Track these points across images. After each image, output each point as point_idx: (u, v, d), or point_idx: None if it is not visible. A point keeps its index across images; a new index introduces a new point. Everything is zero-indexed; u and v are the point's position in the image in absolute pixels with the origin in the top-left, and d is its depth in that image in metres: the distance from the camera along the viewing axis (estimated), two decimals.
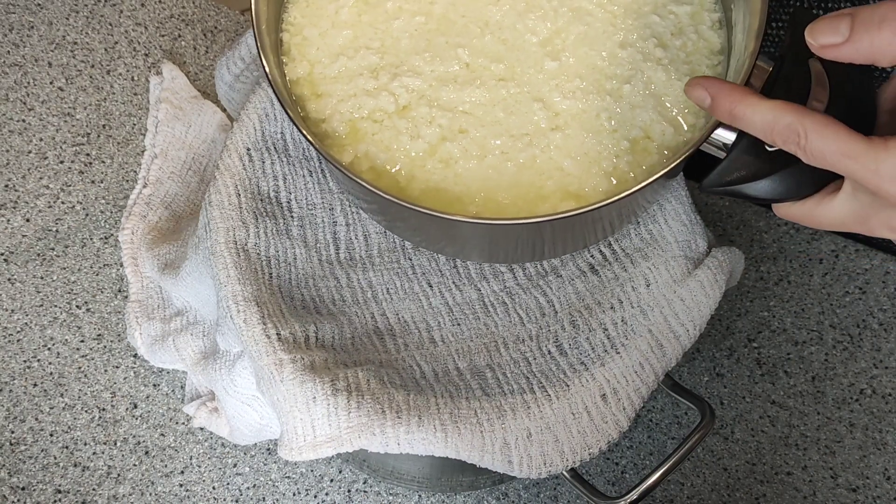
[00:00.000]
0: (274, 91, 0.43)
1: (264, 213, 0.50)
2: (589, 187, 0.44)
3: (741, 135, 0.41)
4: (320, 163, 0.53)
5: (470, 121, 0.46)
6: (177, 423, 0.61)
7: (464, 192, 0.44)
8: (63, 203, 0.67)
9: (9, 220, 0.66)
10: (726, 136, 0.41)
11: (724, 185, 0.42)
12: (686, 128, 0.45)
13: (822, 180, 0.40)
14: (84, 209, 0.67)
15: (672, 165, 0.41)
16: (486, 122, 0.46)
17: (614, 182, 0.44)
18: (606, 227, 0.48)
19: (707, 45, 0.47)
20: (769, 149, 0.40)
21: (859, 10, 0.36)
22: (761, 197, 0.42)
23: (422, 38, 0.48)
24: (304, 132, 0.42)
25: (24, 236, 0.66)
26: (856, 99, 0.40)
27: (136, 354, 0.62)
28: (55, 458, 0.59)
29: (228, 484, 0.59)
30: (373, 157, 0.45)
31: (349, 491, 0.59)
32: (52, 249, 0.66)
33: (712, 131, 0.41)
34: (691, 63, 0.46)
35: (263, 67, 0.44)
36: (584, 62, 0.46)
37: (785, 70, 0.41)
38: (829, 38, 0.36)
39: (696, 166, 0.59)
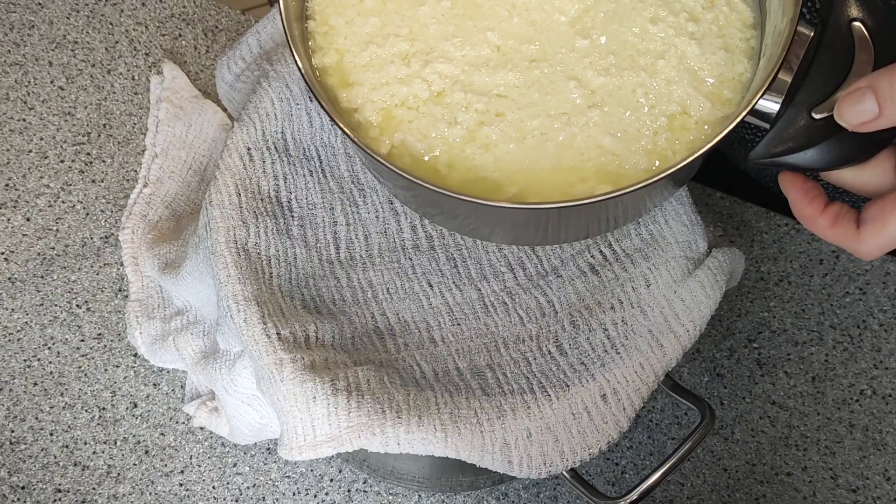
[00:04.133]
0: (308, 84, 0.43)
1: (265, 213, 0.50)
2: (629, 165, 0.44)
3: (785, 104, 0.40)
4: (321, 163, 0.53)
5: (506, 104, 0.45)
6: (177, 422, 0.61)
7: (504, 177, 0.44)
8: (63, 202, 0.67)
9: (9, 220, 0.66)
10: (769, 106, 0.41)
11: (771, 156, 0.41)
12: (724, 102, 0.45)
13: (873, 148, 0.40)
14: (84, 208, 0.67)
15: (718, 138, 0.40)
16: (523, 105, 0.45)
17: (654, 159, 0.44)
18: (647, 204, 0.48)
19: (739, 18, 0.47)
20: (816, 117, 0.40)
21: (877, 81, 0.37)
22: (809, 167, 0.41)
23: (449, 23, 0.47)
24: (341, 125, 0.42)
25: (24, 235, 0.66)
26: None
27: (136, 354, 0.62)
28: (55, 457, 0.59)
29: (228, 483, 0.59)
30: (410, 145, 0.45)
31: (349, 491, 0.59)
32: (53, 248, 0.66)
33: (754, 103, 0.40)
34: (725, 37, 0.46)
35: (295, 60, 0.43)
36: (616, 39, 0.46)
37: (827, 36, 0.40)
38: (860, 118, 0.38)
39: (699, 166, 0.58)
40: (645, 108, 0.45)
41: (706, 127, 0.44)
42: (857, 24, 0.40)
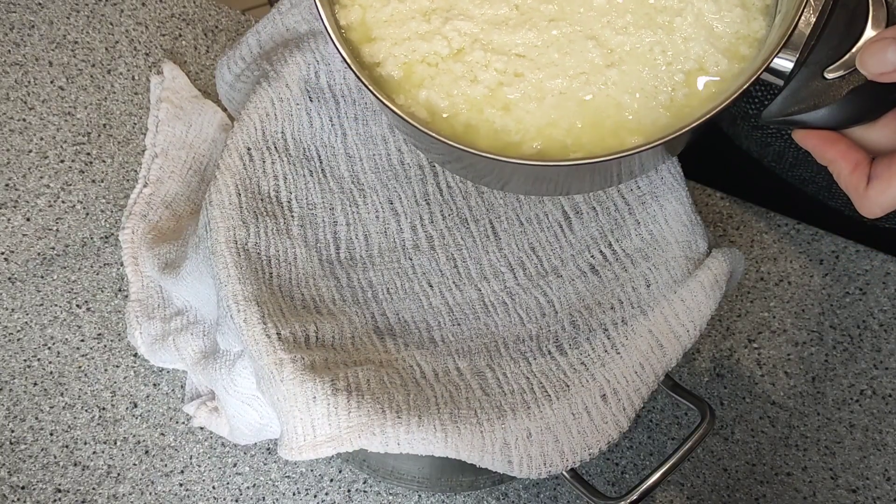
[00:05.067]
0: (329, 37, 0.44)
1: (265, 213, 0.50)
2: (649, 121, 0.45)
3: (798, 64, 0.41)
4: (321, 163, 0.53)
5: (525, 64, 0.46)
6: (177, 422, 0.61)
7: (526, 137, 0.45)
8: (63, 202, 0.67)
9: (9, 220, 0.66)
10: (784, 64, 0.41)
11: (784, 115, 0.42)
12: (740, 58, 0.45)
13: (882, 108, 0.41)
14: (84, 208, 0.67)
15: (737, 93, 0.40)
16: (542, 64, 0.46)
17: (673, 115, 0.45)
18: (664, 158, 0.49)
19: None
20: (828, 77, 0.41)
21: None
22: (820, 125, 0.42)
23: None
24: (369, 85, 0.42)
25: (24, 235, 0.66)
26: None
27: (136, 354, 0.62)
28: (55, 457, 0.59)
29: (228, 483, 0.59)
30: (433, 104, 0.45)
31: (349, 491, 0.59)
32: (53, 248, 0.66)
33: (770, 61, 0.40)
34: None
35: (322, 20, 0.44)
36: None
37: None
38: (881, 68, 0.39)
39: (698, 164, 0.59)
40: (662, 65, 0.45)
41: (722, 83, 0.45)
42: None
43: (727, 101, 0.40)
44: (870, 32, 0.40)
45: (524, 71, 0.46)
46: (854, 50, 0.40)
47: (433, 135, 0.41)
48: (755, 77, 0.40)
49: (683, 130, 0.40)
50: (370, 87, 0.43)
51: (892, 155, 0.41)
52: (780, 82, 0.42)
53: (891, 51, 0.38)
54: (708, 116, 0.40)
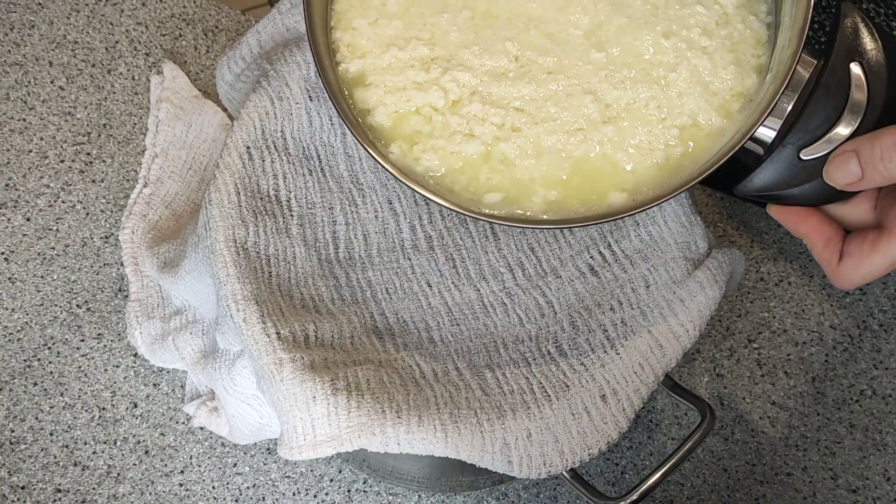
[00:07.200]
0: (329, 95, 0.44)
1: (264, 212, 0.50)
2: (643, 179, 0.45)
3: (780, 136, 0.42)
4: (320, 162, 0.53)
5: (523, 118, 0.46)
6: (177, 422, 0.61)
7: (522, 193, 0.45)
8: (63, 202, 0.67)
9: (9, 220, 0.66)
10: (766, 133, 0.43)
11: (758, 191, 0.44)
12: (732, 115, 0.46)
13: (853, 191, 0.43)
14: (84, 208, 0.67)
15: (722, 160, 0.42)
16: (539, 119, 0.46)
17: (666, 173, 0.45)
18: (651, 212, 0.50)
19: (754, 36, 0.47)
20: (804, 158, 0.42)
21: (861, 146, 0.40)
22: (794, 203, 0.44)
23: (469, 31, 0.48)
24: (367, 146, 0.43)
25: (24, 235, 0.66)
26: (893, 104, 0.41)
27: (136, 353, 0.62)
28: (55, 457, 0.59)
29: (228, 483, 0.59)
30: (428, 166, 0.46)
31: (349, 491, 0.59)
32: (53, 248, 0.66)
33: (753, 132, 0.42)
34: (737, 52, 0.47)
35: (321, 77, 0.45)
36: (630, 52, 0.47)
37: (825, 76, 0.42)
38: (846, 179, 0.41)
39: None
40: (657, 120, 0.46)
41: (715, 139, 0.45)
42: (855, 64, 0.41)
43: (714, 167, 0.42)
44: (842, 131, 0.41)
45: (521, 126, 0.46)
46: (831, 133, 0.42)
47: (434, 198, 0.43)
48: (742, 143, 0.42)
49: (676, 193, 0.42)
50: (371, 151, 0.43)
51: (865, 233, 0.42)
52: (761, 150, 0.44)
53: (851, 163, 0.40)
54: (698, 179, 0.42)
